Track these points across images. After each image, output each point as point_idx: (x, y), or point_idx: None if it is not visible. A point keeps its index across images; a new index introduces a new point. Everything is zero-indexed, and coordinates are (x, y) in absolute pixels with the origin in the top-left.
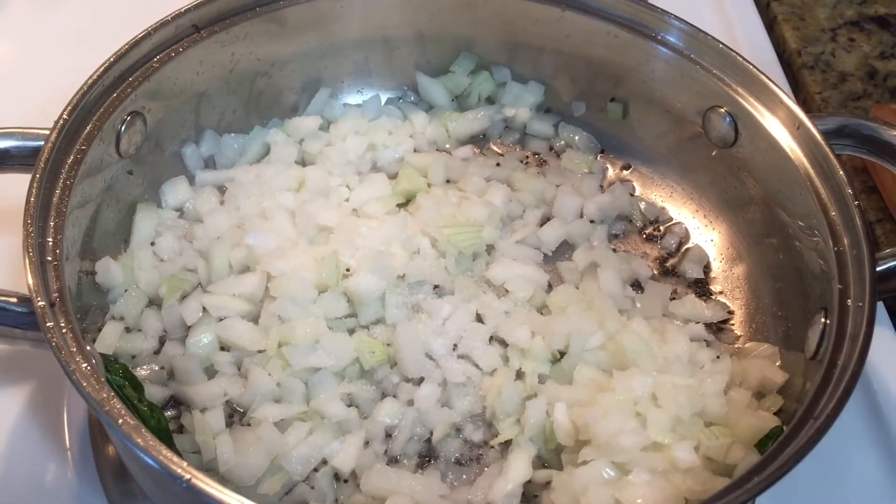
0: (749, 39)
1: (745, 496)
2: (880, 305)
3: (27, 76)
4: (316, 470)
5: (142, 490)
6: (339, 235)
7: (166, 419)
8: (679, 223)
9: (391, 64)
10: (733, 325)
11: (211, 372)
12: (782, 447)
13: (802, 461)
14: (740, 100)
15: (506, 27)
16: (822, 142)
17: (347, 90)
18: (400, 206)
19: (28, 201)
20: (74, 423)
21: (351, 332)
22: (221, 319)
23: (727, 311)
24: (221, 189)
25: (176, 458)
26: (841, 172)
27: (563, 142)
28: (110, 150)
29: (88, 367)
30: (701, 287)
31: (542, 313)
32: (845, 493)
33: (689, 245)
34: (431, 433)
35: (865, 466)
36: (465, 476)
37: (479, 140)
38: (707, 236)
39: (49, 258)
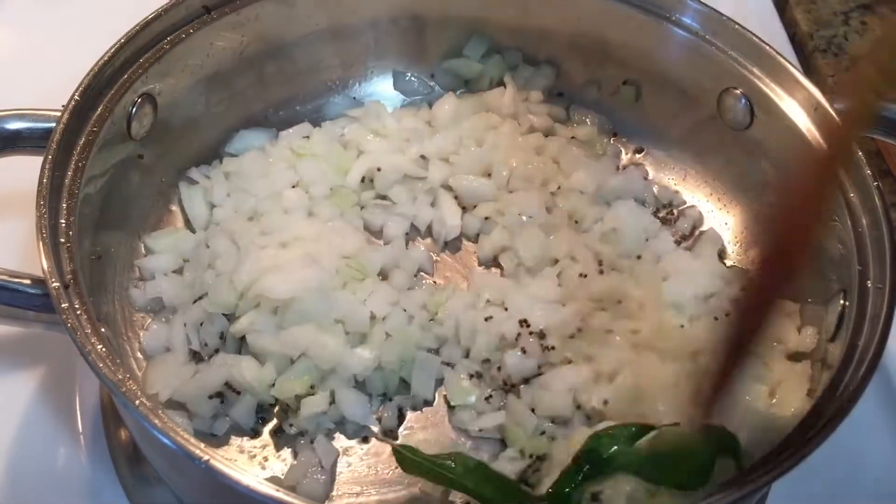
0: (761, 22)
1: (765, 479)
2: None
3: (38, 59)
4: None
5: (155, 474)
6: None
7: None
8: (693, 206)
9: (403, 46)
10: None
11: None
12: (803, 430)
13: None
14: (756, 81)
15: (517, 8)
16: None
17: (358, 73)
18: None
19: (41, 182)
20: (87, 406)
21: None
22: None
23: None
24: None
25: (193, 440)
26: (859, 153)
27: (575, 124)
28: (121, 132)
29: (104, 349)
30: None
31: None
32: (861, 478)
33: (703, 229)
34: None
35: (881, 451)
36: None
37: None
38: (721, 220)
39: (62, 240)
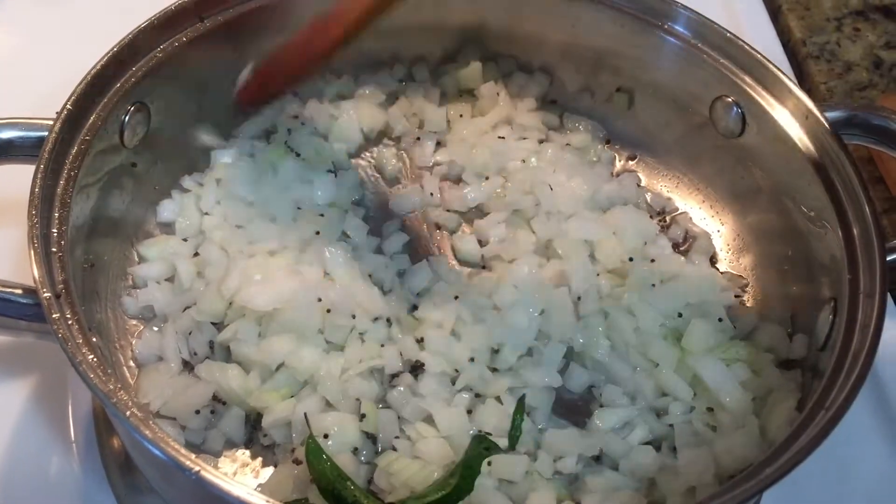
0: (753, 29)
1: (756, 488)
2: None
3: (31, 68)
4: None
5: (147, 483)
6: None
7: None
8: (685, 213)
9: (397, 54)
10: None
11: None
12: (793, 438)
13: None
14: (748, 89)
15: (511, 15)
16: (832, 131)
17: (351, 80)
18: None
19: (32, 192)
20: (79, 415)
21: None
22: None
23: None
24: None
25: (184, 451)
26: (850, 161)
27: (568, 132)
28: (114, 140)
29: (95, 359)
30: None
31: None
32: (851, 487)
33: (695, 236)
34: None
35: (873, 460)
36: None
37: None
38: (713, 227)
39: (54, 249)
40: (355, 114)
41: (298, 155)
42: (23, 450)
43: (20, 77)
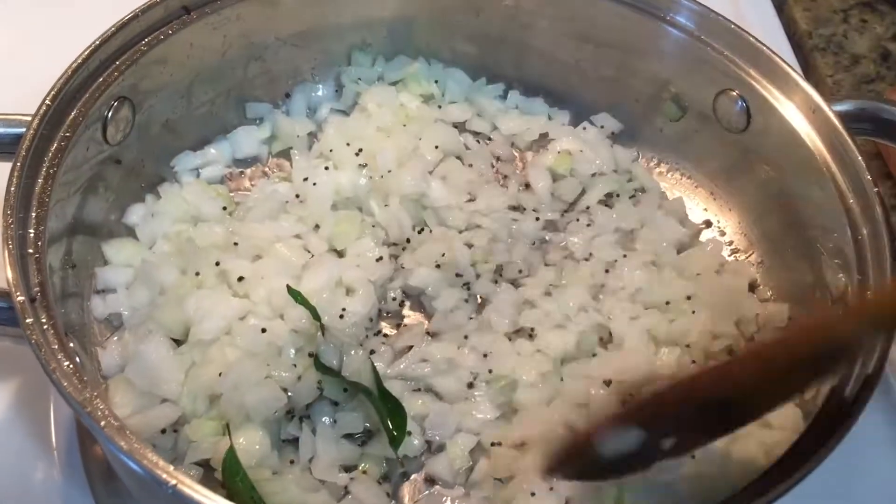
0: (759, 21)
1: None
2: None
3: (28, 66)
4: None
5: (129, 491)
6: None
7: None
8: (690, 209)
9: (390, 47)
10: None
11: None
12: (801, 446)
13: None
14: (753, 83)
15: (511, 9)
16: (839, 126)
17: (343, 75)
18: None
19: (8, 191)
20: (61, 421)
21: None
22: None
23: None
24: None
25: (161, 463)
26: (859, 158)
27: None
28: (96, 137)
29: (70, 366)
30: None
31: None
32: (859, 491)
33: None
34: None
35: (883, 465)
36: None
37: None
38: (719, 223)
39: (30, 250)
40: None
41: None
42: (4, 457)
43: (17, 75)
